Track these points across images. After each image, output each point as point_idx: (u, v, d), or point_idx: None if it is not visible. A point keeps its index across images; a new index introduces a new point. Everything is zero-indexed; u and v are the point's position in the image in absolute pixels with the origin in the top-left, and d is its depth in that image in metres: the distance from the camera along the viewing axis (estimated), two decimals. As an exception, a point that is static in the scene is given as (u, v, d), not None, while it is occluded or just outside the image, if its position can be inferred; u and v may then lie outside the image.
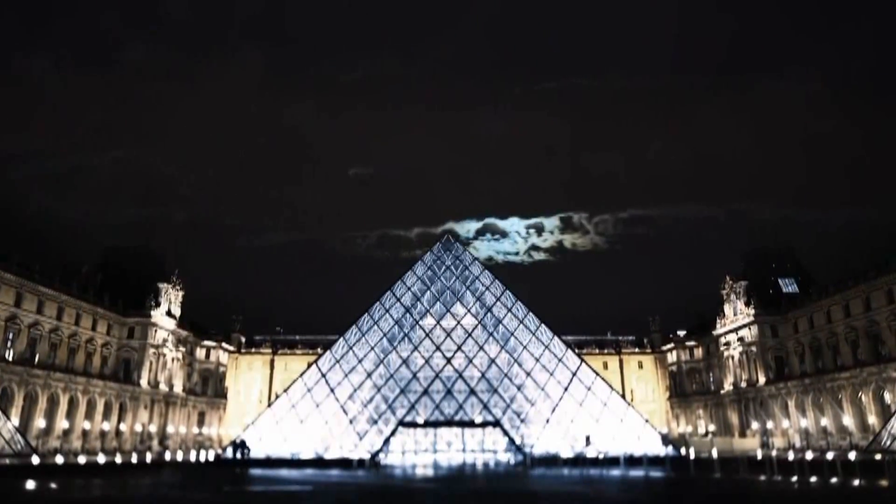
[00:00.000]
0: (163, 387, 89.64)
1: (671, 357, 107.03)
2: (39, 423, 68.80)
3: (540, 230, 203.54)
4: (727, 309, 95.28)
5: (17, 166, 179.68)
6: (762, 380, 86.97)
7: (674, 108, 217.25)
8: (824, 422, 75.99)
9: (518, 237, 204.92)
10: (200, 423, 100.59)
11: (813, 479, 34.03)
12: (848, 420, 72.30)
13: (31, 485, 33.59)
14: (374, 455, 58.66)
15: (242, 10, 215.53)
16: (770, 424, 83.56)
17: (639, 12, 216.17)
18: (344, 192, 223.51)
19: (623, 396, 76.24)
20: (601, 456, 53.65)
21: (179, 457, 66.05)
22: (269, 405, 72.33)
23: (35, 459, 49.90)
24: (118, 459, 54.00)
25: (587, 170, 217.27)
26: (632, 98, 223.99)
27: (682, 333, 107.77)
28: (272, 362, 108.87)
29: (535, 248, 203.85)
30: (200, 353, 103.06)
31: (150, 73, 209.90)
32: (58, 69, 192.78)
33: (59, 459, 51.23)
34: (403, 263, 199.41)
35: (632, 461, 52.38)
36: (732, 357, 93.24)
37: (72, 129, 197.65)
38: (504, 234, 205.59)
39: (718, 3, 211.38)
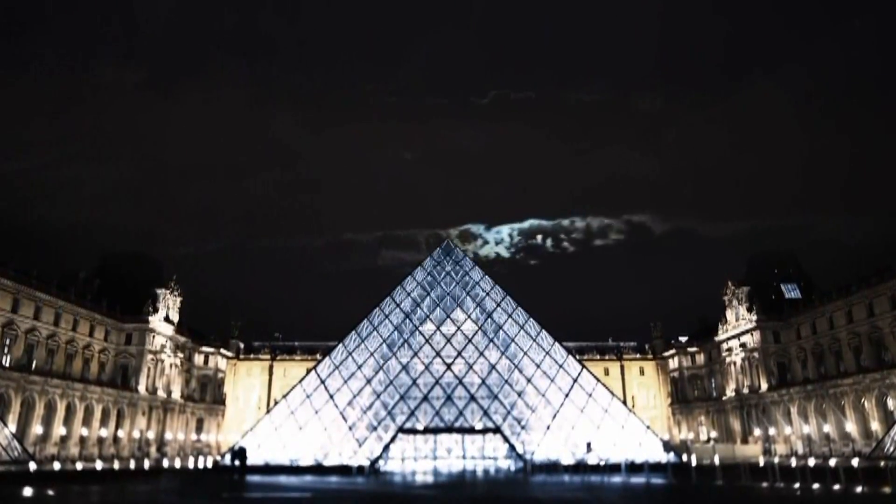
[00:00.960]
0: (161, 393, 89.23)
1: (673, 363, 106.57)
2: (37, 429, 68.44)
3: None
4: (729, 314, 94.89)
5: (14, 170, 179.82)
6: (764, 386, 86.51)
7: (668, 117, 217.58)
8: (827, 428, 75.56)
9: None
10: (199, 429, 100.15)
11: (815, 486, 33.74)
12: (851, 427, 71.88)
13: (28, 492, 33.26)
14: (374, 462, 58.23)
15: (226, 22, 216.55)
16: (772, 431, 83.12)
17: (625, 21, 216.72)
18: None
19: (624, 403, 75.85)
20: (602, 462, 53.30)
21: (177, 463, 65.75)
22: (268, 411, 71.80)
23: (32, 466, 49.50)
24: (116, 466, 53.71)
25: (582, 175, 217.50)
26: (625, 106, 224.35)
27: (683, 339, 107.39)
28: (271, 368, 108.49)
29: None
30: (199, 358, 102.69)
31: (136, 86, 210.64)
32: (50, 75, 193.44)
33: (57, 466, 50.99)
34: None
35: (633, 468, 52.00)
36: (734, 363, 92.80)
37: (66, 135, 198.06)
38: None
39: (709, 7, 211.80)
